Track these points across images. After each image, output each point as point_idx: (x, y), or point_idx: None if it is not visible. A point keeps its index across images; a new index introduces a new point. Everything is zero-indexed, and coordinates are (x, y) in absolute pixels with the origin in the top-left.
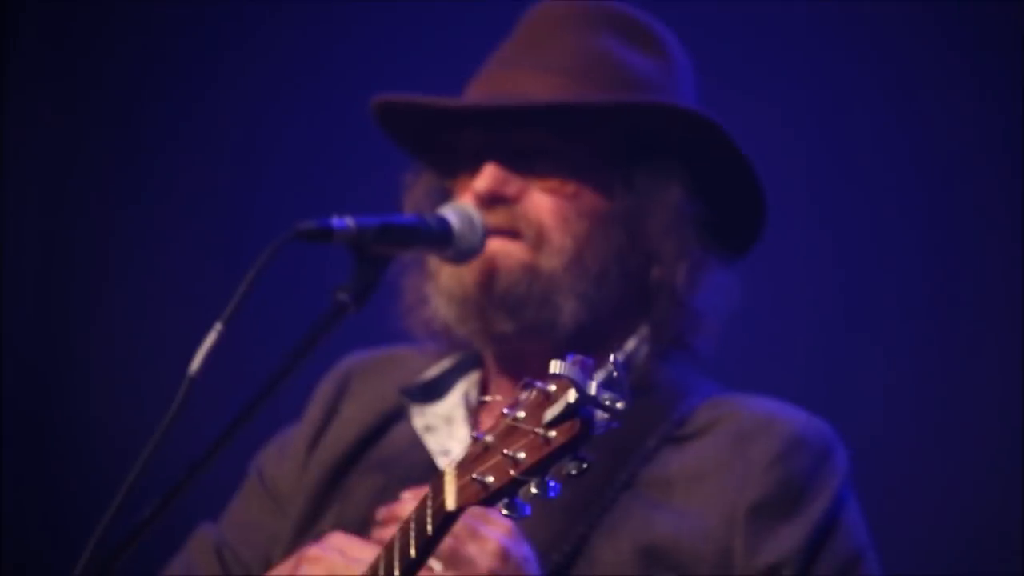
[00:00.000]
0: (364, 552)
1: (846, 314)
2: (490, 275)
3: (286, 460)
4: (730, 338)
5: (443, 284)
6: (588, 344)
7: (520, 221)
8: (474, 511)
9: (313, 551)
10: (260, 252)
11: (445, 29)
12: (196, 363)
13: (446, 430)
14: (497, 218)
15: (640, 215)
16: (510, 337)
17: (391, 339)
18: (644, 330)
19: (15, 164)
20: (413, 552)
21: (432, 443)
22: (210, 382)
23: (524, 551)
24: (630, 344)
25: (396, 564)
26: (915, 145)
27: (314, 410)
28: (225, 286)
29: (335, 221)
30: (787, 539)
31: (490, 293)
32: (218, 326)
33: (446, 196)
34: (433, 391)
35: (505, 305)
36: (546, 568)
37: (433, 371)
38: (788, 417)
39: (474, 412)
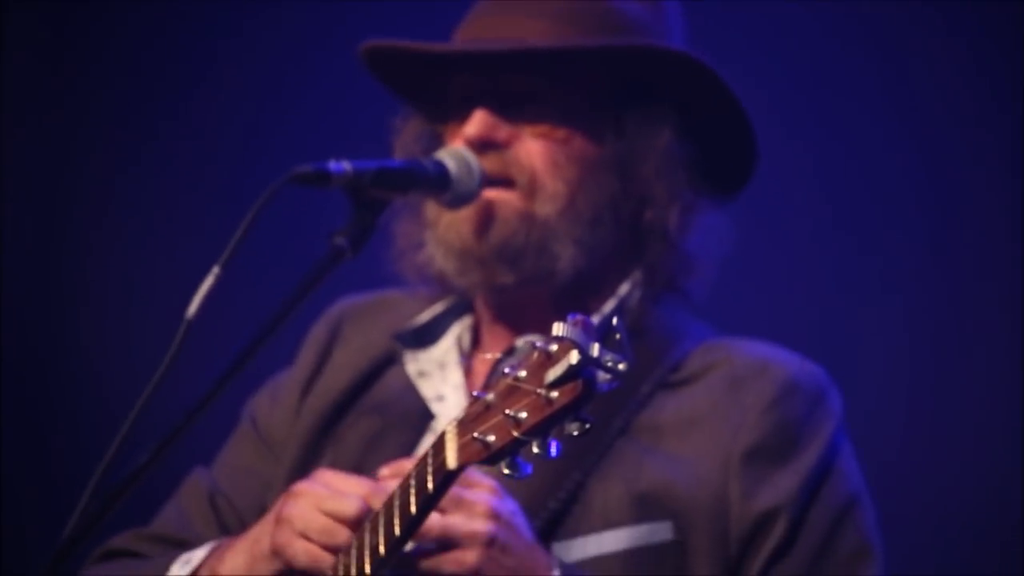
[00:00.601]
0: (351, 485)
1: (846, 315)
2: (487, 226)
3: (279, 406)
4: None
5: (441, 235)
6: (582, 290)
7: (512, 167)
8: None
9: (300, 486)
10: (257, 196)
11: None
12: (193, 307)
13: (439, 375)
14: (488, 163)
15: (632, 159)
16: (510, 288)
17: (381, 282)
18: (637, 274)
19: (10, 120)
20: (414, 509)
21: (426, 388)
22: (207, 326)
23: (511, 506)
24: (623, 288)
25: (396, 521)
26: (916, 141)
27: (306, 355)
28: (222, 230)
29: (332, 165)
30: (782, 484)
31: (488, 245)
32: (215, 270)
33: (436, 140)
34: (426, 336)
35: (504, 256)
36: (543, 515)
37: (425, 316)
38: (782, 361)
39: (467, 357)
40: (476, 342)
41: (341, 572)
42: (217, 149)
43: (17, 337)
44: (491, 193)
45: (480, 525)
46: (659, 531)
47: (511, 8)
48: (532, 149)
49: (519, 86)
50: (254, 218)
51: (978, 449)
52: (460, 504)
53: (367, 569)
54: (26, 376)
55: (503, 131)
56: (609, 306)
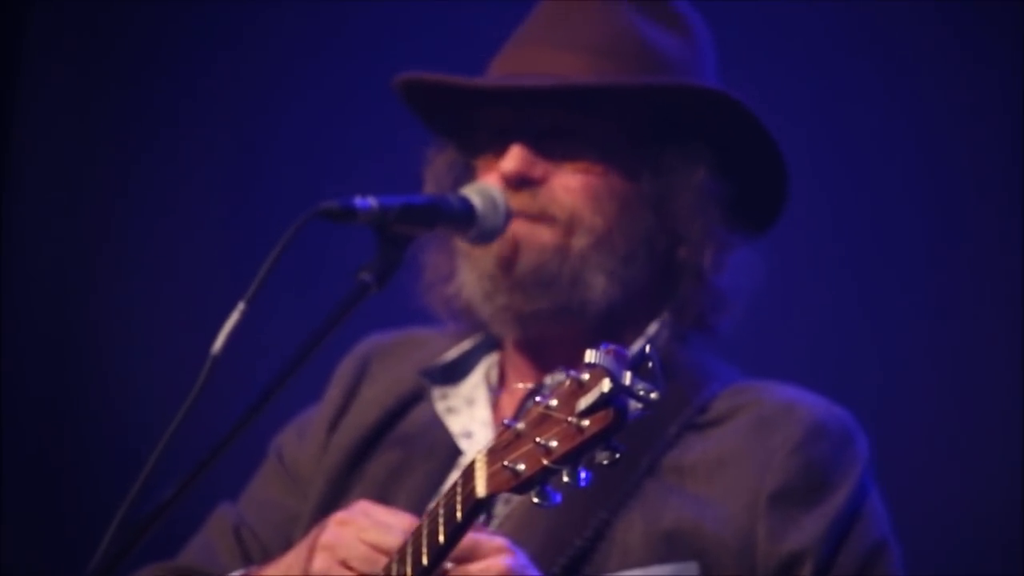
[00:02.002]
0: (391, 518)
1: (846, 314)
2: (520, 257)
3: (306, 442)
4: (733, 338)
5: (476, 263)
6: (611, 328)
7: (550, 205)
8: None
9: (340, 515)
10: (283, 232)
11: (461, 5)
12: (219, 343)
13: (467, 412)
14: (523, 201)
15: (667, 196)
16: (541, 316)
17: (405, 317)
18: (665, 314)
19: (31, 138)
20: (442, 538)
21: (454, 424)
22: (233, 362)
23: (523, 561)
24: (651, 328)
25: (424, 550)
26: (917, 141)
27: (334, 392)
28: (248, 266)
29: (358, 201)
30: (809, 527)
31: (522, 274)
32: (241, 305)
33: (469, 172)
34: (453, 373)
35: (539, 282)
36: (568, 552)
37: (453, 353)
38: (809, 404)
39: (495, 394)
40: (502, 380)
41: None
42: (244, 185)
43: (41, 374)
44: (524, 227)
45: None
46: (685, 570)
47: (548, 41)
48: (570, 185)
49: (557, 121)
50: (280, 253)
51: (978, 450)
52: (474, 568)
53: None
54: (50, 412)
55: (539, 167)
56: (638, 345)
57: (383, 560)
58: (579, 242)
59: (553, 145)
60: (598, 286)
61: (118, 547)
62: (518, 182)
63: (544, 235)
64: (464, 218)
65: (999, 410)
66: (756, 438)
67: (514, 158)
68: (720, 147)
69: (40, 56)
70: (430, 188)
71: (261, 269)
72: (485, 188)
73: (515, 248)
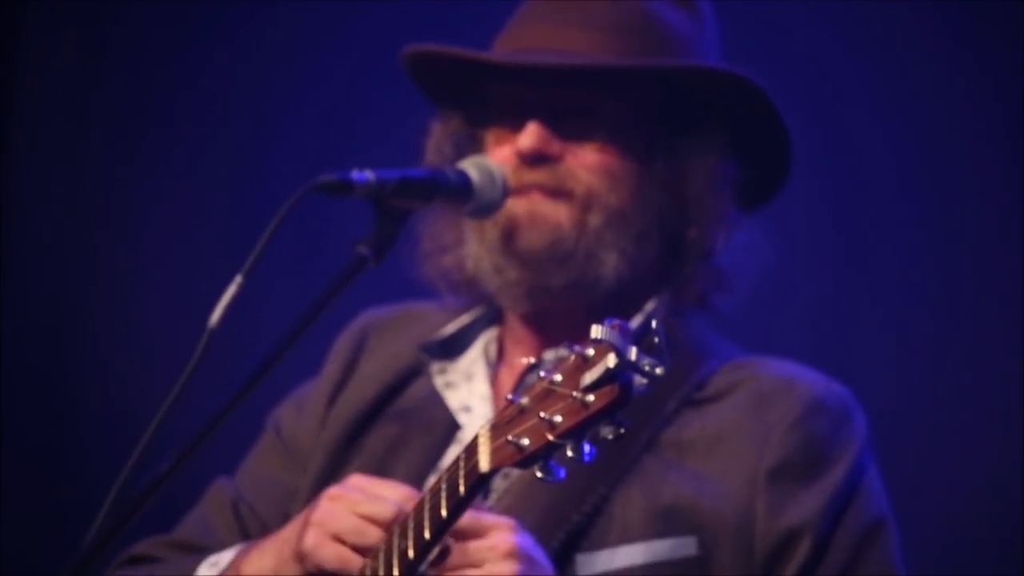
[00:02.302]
0: (385, 489)
1: (845, 311)
2: (535, 232)
3: (304, 416)
4: (733, 332)
5: (485, 235)
6: (612, 303)
7: (568, 180)
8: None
9: (332, 490)
10: (280, 204)
11: None
12: (216, 315)
13: (466, 386)
14: (540, 176)
15: (680, 177)
16: (552, 291)
17: (404, 292)
18: (665, 290)
19: (28, 123)
20: (444, 512)
21: (452, 399)
22: (230, 335)
23: (528, 541)
24: (650, 304)
25: (426, 524)
26: (918, 136)
27: (332, 366)
28: (245, 239)
29: (355, 174)
30: (808, 503)
31: (537, 249)
32: (238, 279)
33: (473, 144)
34: (452, 347)
35: (553, 259)
36: (567, 527)
37: (451, 327)
38: (808, 380)
39: (494, 368)
40: (500, 354)
41: (369, 575)
42: (240, 159)
43: (38, 346)
44: (543, 204)
45: (504, 568)
46: (683, 546)
47: (560, 18)
48: (586, 163)
49: (573, 100)
50: (277, 227)
51: (978, 450)
52: (480, 545)
53: (395, 572)
54: (47, 384)
55: (556, 144)
56: (638, 320)
57: (376, 532)
58: (595, 219)
59: (569, 123)
60: (610, 263)
61: (114, 520)
62: (535, 158)
63: (561, 211)
64: (461, 192)
65: (999, 409)
66: (754, 414)
67: (532, 135)
68: (730, 126)
69: (36, 54)
70: (431, 159)
71: (259, 242)
72: (483, 162)
73: (530, 221)
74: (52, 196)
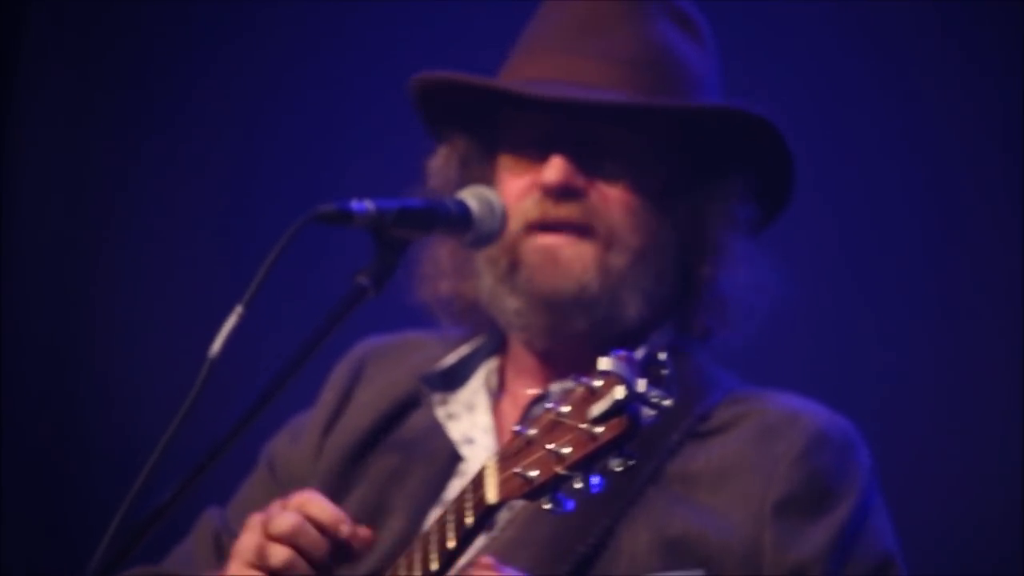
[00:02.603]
0: (293, 504)
1: (844, 317)
2: (560, 275)
3: (299, 445)
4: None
5: (510, 276)
6: (618, 338)
7: (593, 217)
8: None
9: (252, 517)
10: (280, 235)
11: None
12: (217, 346)
13: (468, 418)
14: (567, 211)
15: (698, 215)
16: (576, 335)
17: (398, 320)
18: (669, 323)
19: (29, 126)
20: (452, 543)
21: (454, 431)
22: (230, 365)
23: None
24: (654, 336)
25: (434, 556)
26: (916, 141)
27: (328, 395)
28: (246, 268)
29: (354, 204)
30: (815, 538)
31: (564, 296)
32: (239, 309)
33: (481, 169)
34: (453, 378)
35: (579, 306)
36: (572, 560)
37: (451, 358)
38: (812, 413)
39: (495, 398)
40: (502, 385)
41: None
42: (240, 188)
43: (38, 376)
44: (567, 247)
45: None
46: None
47: (579, 48)
48: (610, 198)
49: (596, 135)
50: (277, 257)
51: (978, 451)
52: None
53: None
54: (47, 415)
55: (580, 178)
56: (641, 352)
57: (277, 548)
58: (617, 260)
59: (593, 158)
60: (633, 305)
61: (116, 549)
62: (561, 193)
63: (585, 252)
64: (461, 222)
65: (999, 411)
66: (759, 447)
67: (559, 169)
68: (745, 162)
69: (37, 55)
70: (435, 183)
71: (259, 272)
72: (482, 192)
73: (553, 265)
74: (53, 205)
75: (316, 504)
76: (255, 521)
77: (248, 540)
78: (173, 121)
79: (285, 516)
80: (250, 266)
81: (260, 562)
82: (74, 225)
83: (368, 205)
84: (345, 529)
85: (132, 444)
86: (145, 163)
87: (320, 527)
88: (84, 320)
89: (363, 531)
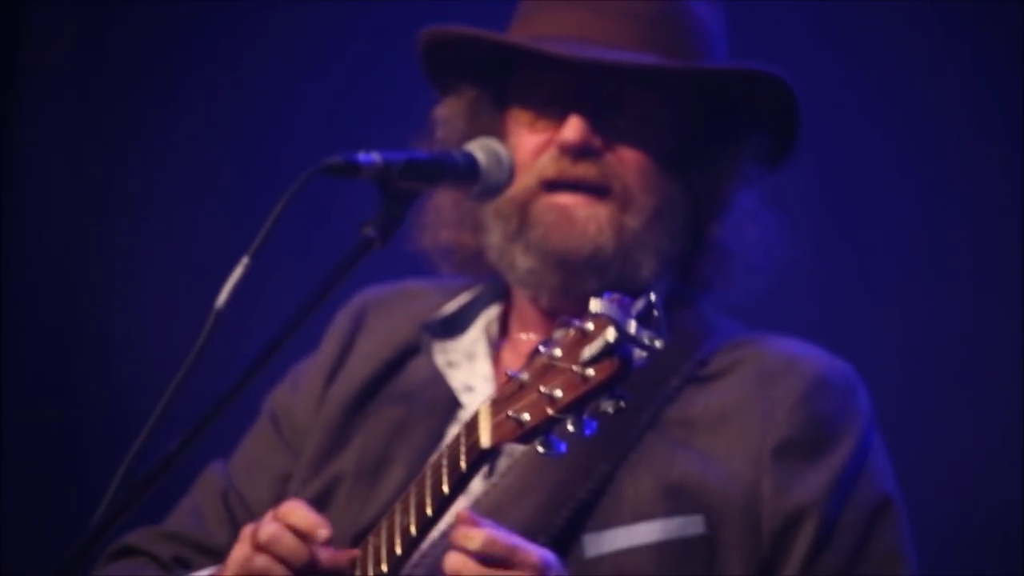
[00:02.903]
0: (288, 516)
1: (845, 316)
2: (575, 235)
3: (300, 394)
4: None
5: (520, 234)
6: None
7: (610, 177)
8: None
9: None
10: (287, 186)
11: None
12: (223, 297)
13: (468, 365)
14: (583, 170)
15: (711, 176)
16: (588, 293)
17: (396, 267)
18: (670, 272)
19: (30, 117)
20: (446, 488)
21: (454, 379)
22: (236, 316)
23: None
24: (655, 285)
25: (428, 501)
26: (914, 141)
27: (330, 345)
28: (252, 220)
29: (361, 156)
30: (814, 482)
31: (579, 257)
32: (245, 260)
33: (491, 122)
34: (453, 326)
35: (593, 267)
36: (571, 506)
37: (452, 306)
38: (811, 357)
39: (495, 347)
40: (502, 333)
41: (371, 553)
42: (246, 140)
43: (44, 328)
44: (583, 207)
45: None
46: (690, 525)
47: (595, 4)
48: (626, 159)
49: (617, 95)
50: (283, 209)
51: (978, 449)
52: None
53: (398, 550)
54: (53, 366)
55: (597, 138)
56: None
57: (257, 556)
58: (632, 221)
59: (610, 118)
60: (648, 266)
61: (121, 502)
62: (579, 152)
63: (600, 212)
64: (468, 174)
65: (999, 410)
66: (758, 391)
67: (577, 128)
68: (757, 121)
69: (37, 38)
70: (441, 134)
71: (265, 224)
72: (490, 144)
73: (569, 224)
74: (54, 180)
75: (296, 513)
76: (246, 532)
77: (238, 551)
78: (176, 87)
79: (267, 526)
80: (256, 217)
81: (246, 572)
82: (78, 174)
83: (375, 157)
84: (323, 533)
85: (138, 397)
86: (148, 130)
87: (300, 535)
88: (87, 269)
89: (342, 554)
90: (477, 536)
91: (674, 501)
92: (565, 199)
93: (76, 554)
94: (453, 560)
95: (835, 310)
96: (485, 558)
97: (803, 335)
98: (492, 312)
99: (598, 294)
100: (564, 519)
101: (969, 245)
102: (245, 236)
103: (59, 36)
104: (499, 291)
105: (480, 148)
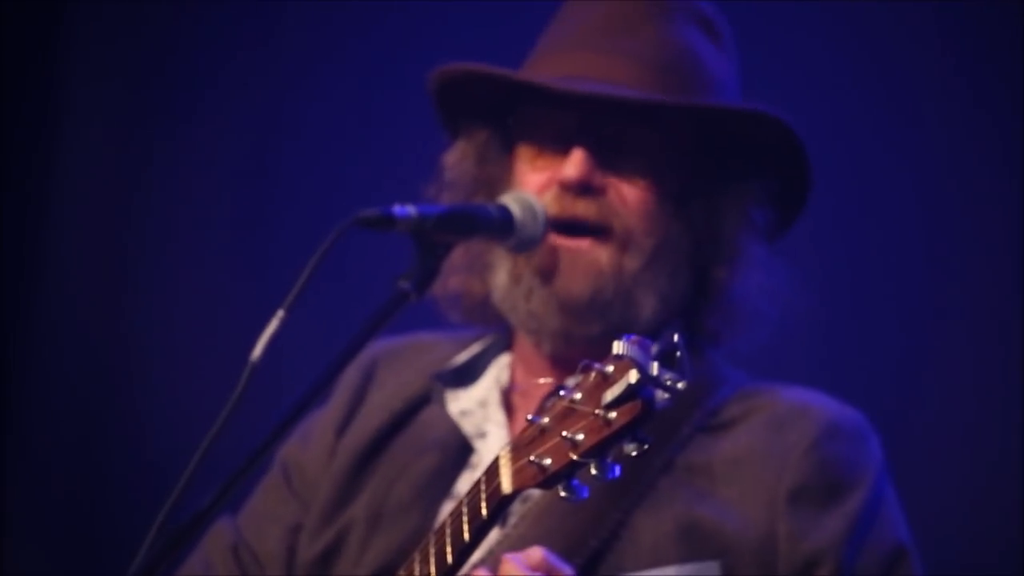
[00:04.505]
0: None
1: (845, 315)
2: (575, 278)
3: (312, 446)
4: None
5: (518, 274)
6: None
7: (611, 216)
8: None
9: None
10: (322, 240)
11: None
12: (258, 349)
13: (481, 413)
14: (583, 208)
15: (714, 217)
16: (591, 338)
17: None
18: (678, 322)
19: (73, 143)
20: (467, 536)
21: (468, 426)
22: (271, 368)
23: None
24: (661, 334)
25: (448, 549)
26: (915, 140)
27: (341, 397)
28: (287, 273)
29: (396, 209)
30: (830, 527)
31: (577, 299)
32: (280, 313)
33: (499, 163)
34: (465, 376)
35: (593, 309)
36: (585, 553)
37: (463, 356)
38: (822, 405)
39: (507, 394)
40: (512, 382)
41: None
42: (282, 193)
43: (81, 381)
44: (586, 250)
45: None
46: (706, 570)
47: (604, 48)
48: (627, 199)
49: (620, 133)
50: (319, 261)
51: (978, 449)
52: None
53: None
54: (90, 418)
55: (598, 176)
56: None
57: None
58: (632, 262)
59: (613, 156)
60: (647, 306)
61: (155, 554)
62: (580, 189)
63: (600, 254)
64: (503, 227)
65: (999, 410)
66: (771, 438)
67: (578, 164)
68: (762, 166)
69: (74, 63)
70: (451, 175)
71: (300, 276)
72: (523, 197)
73: (571, 266)
74: (91, 214)
75: None
76: None
77: None
78: (208, 127)
79: None
80: (293, 270)
81: None
82: (112, 232)
83: (410, 209)
84: None
85: (174, 450)
86: (185, 167)
87: None
88: (122, 327)
89: None
90: (535, 554)
91: (688, 546)
92: (570, 244)
93: None
94: (509, 570)
95: (832, 307)
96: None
97: (803, 346)
98: (503, 360)
99: (604, 338)
100: (579, 565)
101: (968, 246)
102: (280, 289)
103: (98, 55)
104: (509, 339)
105: (515, 201)
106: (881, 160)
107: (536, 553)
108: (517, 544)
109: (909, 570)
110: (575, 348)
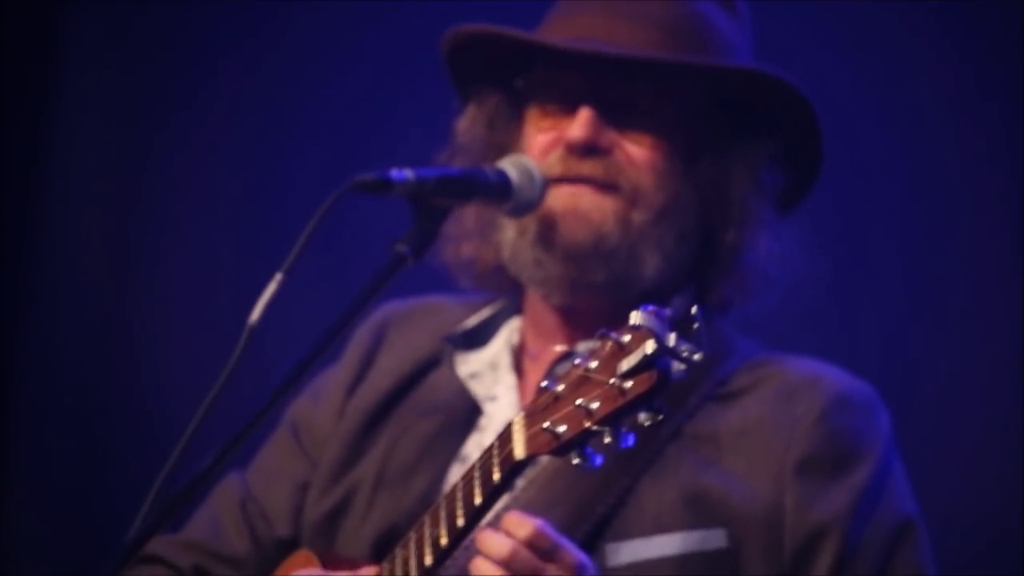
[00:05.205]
0: None
1: (845, 315)
2: (579, 225)
3: (321, 404)
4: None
5: (524, 226)
6: (640, 299)
7: (618, 175)
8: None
9: None
10: (320, 203)
11: None
12: (256, 313)
13: (491, 376)
14: (589, 168)
15: (724, 179)
16: (593, 287)
17: (417, 283)
18: (689, 288)
19: (70, 138)
20: (478, 500)
21: (478, 389)
22: (270, 331)
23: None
24: (676, 300)
25: (459, 513)
26: (914, 140)
27: (351, 358)
28: (285, 237)
29: (394, 173)
30: (836, 499)
31: (581, 243)
32: (278, 276)
33: (508, 126)
34: (475, 339)
35: (596, 255)
36: (592, 519)
37: (474, 320)
38: (832, 376)
39: (518, 358)
40: (523, 345)
41: (400, 564)
42: (280, 156)
43: (80, 344)
44: (589, 197)
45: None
46: (713, 538)
47: (614, 11)
48: (635, 158)
49: (624, 93)
50: (317, 225)
51: (978, 449)
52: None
53: (428, 560)
54: (89, 381)
55: (606, 136)
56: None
57: None
58: (639, 216)
59: (621, 116)
60: (652, 262)
61: (155, 517)
62: (586, 149)
63: (606, 205)
64: (500, 191)
65: (999, 410)
66: (779, 408)
67: (585, 124)
68: (774, 130)
69: (71, 42)
70: (462, 139)
71: (298, 240)
72: (521, 161)
73: (573, 214)
74: (90, 196)
75: None
76: None
77: None
78: (211, 98)
79: None
80: (291, 234)
81: None
82: (114, 191)
83: (407, 174)
84: None
85: (173, 413)
86: (189, 132)
87: None
88: (125, 286)
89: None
90: (528, 525)
91: (695, 513)
92: (571, 189)
93: (112, 569)
94: (499, 545)
95: (834, 310)
96: (532, 548)
97: (800, 333)
98: (514, 324)
99: (608, 291)
100: (585, 533)
101: (968, 245)
102: (279, 252)
103: (93, 40)
104: (519, 305)
105: (512, 165)
106: (882, 155)
107: (528, 525)
108: (524, 509)
109: (916, 543)
110: (582, 305)
